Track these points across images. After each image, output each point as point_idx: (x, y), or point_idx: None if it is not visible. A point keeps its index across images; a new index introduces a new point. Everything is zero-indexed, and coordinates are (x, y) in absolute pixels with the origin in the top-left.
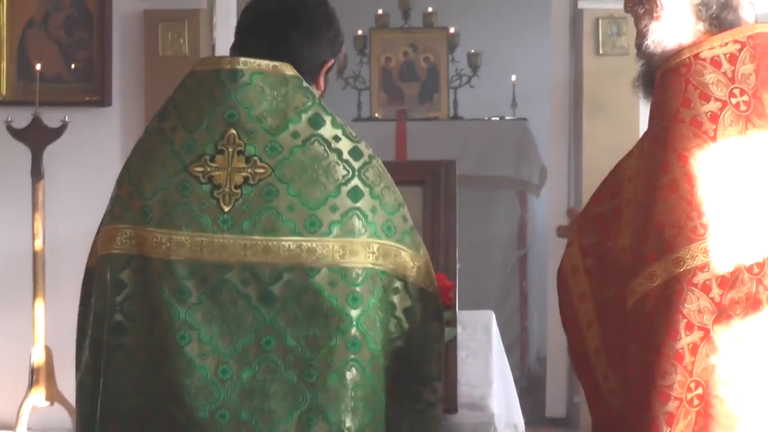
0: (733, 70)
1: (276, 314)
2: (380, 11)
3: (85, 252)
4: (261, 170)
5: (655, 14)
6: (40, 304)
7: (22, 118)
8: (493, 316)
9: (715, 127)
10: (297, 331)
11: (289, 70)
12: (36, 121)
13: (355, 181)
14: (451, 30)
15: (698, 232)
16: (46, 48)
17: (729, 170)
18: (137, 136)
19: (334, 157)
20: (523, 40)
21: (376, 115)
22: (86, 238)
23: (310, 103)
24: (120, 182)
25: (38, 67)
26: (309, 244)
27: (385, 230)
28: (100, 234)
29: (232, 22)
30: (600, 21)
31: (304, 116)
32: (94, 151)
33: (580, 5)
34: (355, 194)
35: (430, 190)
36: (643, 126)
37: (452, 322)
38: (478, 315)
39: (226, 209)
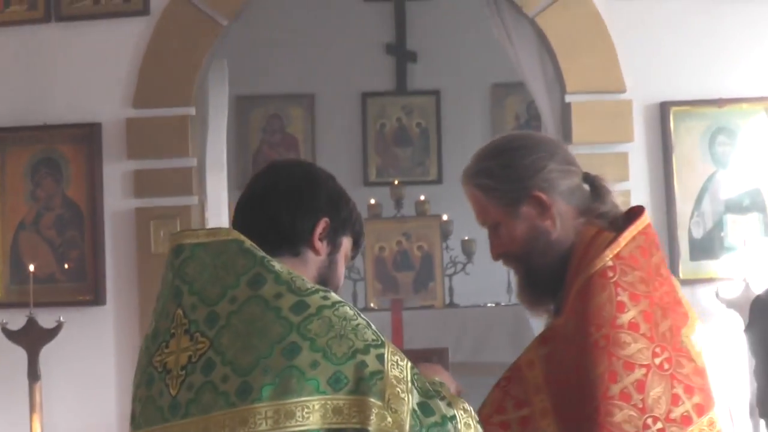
0: (648, 263)
1: None
2: (372, 201)
3: None
4: (201, 345)
5: (540, 220)
6: None
7: (16, 319)
8: None
9: (650, 326)
10: None
11: (227, 235)
12: (31, 323)
13: (293, 337)
14: (444, 218)
15: None
16: (39, 249)
17: (679, 363)
18: (132, 334)
19: (270, 316)
20: None
21: (372, 305)
22: None
23: (250, 264)
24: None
25: (32, 268)
26: (241, 415)
27: (332, 384)
28: None
29: (224, 219)
30: None
31: (243, 279)
32: (89, 351)
33: None
34: (291, 351)
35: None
36: None
37: None
38: None
39: (173, 393)
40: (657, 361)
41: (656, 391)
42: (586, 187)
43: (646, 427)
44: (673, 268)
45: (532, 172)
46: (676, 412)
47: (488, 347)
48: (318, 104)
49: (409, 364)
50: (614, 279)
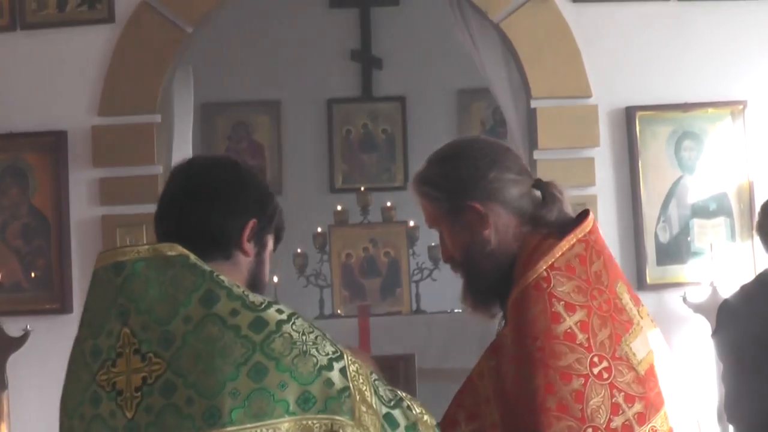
0: (587, 272)
1: None
2: (339, 207)
3: None
4: (156, 366)
5: (479, 228)
6: None
7: None
8: None
9: (587, 336)
10: None
11: (170, 251)
12: None
13: (257, 357)
14: (411, 224)
15: None
16: (5, 258)
17: (618, 373)
18: None
19: (230, 335)
20: None
21: (339, 311)
22: None
23: (200, 281)
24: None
25: None
26: None
27: (301, 404)
28: None
29: None
30: None
31: (195, 296)
32: (56, 359)
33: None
34: (258, 372)
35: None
36: None
37: None
38: None
39: (129, 416)
40: (595, 370)
41: (595, 400)
42: (538, 193)
43: None
44: (640, 273)
45: (471, 182)
46: (617, 422)
47: (455, 353)
48: (284, 111)
49: (368, 371)
50: (548, 290)
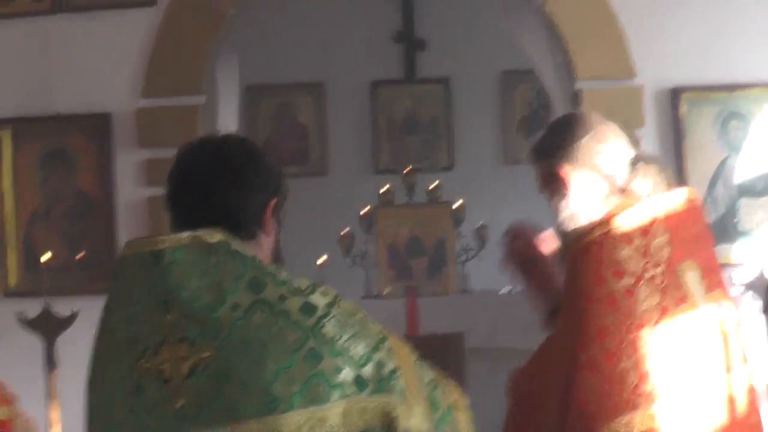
0: (647, 244)
1: None
2: (384, 189)
3: None
4: (205, 354)
5: (563, 192)
6: None
7: (32, 309)
8: None
9: (630, 301)
10: None
11: (212, 237)
12: (46, 312)
13: (311, 343)
14: (456, 204)
15: (624, 405)
16: (52, 239)
17: (655, 343)
18: None
19: (281, 321)
20: (527, 211)
21: (385, 292)
22: None
23: (244, 267)
24: (88, 385)
25: (44, 258)
26: (271, 425)
27: (355, 387)
28: None
29: None
30: None
31: (241, 283)
32: None
33: None
34: (313, 358)
35: (439, 364)
36: None
37: None
38: None
39: (179, 404)
40: (630, 336)
41: (625, 363)
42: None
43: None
44: None
45: (562, 148)
46: (645, 388)
47: (503, 332)
48: (328, 93)
49: (411, 350)
50: (598, 254)
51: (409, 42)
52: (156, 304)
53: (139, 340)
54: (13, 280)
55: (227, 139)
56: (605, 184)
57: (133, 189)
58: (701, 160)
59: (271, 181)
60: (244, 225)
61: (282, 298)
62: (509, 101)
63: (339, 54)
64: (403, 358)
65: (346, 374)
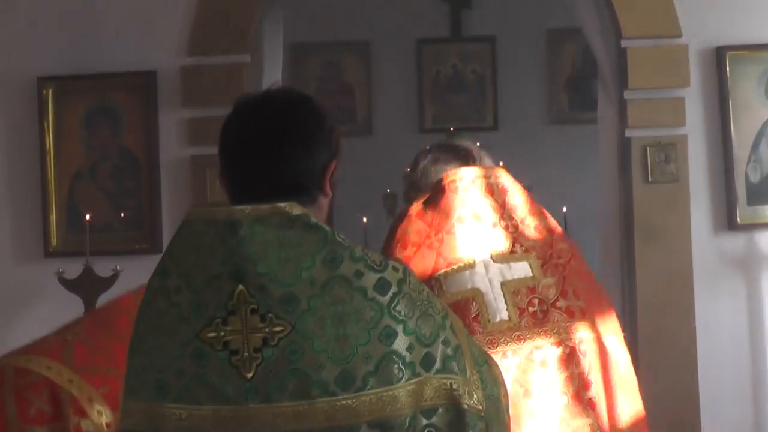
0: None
1: None
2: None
3: None
4: (279, 328)
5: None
6: None
7: (73, 268)
8: None
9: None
10: None
11: (292, 209)
12: (87, 272)
13: (386, 320)
14: (500, 164)
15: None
16: (95, 198)
17: None
18: None
19: (358, 298)
20: (572, 170)
21: None
22: None
23: (322, 242)
24: (132, 350)
25: (87, 217)
26: (344, 402)
27: (425, 366)
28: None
29: None
30: (648, 149)
31: (318, 258)
32: None
33: (628, 134)
34: (388, 335)
35: None
36: (697, 251)
37: None
38: None
39: (249, 376)
40: None
41: None
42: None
43: None
44: (731, 214)
45: None
46: None
47: None
48: (373, 52)
49: (463, 325)
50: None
51: (456, 0)
52: (228, 274)
53: (206, 307)
54: (55, 240)
55: (290, 96)
56: None
57: (177, 148)
58: (745, 120)
59: (333, 142)
60: (306, 188)
61: (358, 274)
62: (555, 60)
63: (385, 12)
64: (461, 335)
65: (418, 352)
